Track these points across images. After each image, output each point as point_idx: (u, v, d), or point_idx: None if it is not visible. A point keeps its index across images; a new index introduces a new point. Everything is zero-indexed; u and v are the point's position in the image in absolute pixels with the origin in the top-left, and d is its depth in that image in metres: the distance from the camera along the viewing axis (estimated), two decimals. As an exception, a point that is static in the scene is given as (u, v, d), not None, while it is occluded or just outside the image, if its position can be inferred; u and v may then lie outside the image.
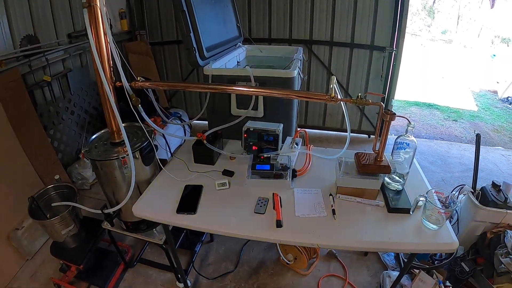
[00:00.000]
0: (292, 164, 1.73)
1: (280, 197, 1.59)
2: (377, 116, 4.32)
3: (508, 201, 2.37)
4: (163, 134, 3.53)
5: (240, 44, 3.13)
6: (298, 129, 1.95)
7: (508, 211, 2.33)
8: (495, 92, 7.27)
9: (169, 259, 2.10)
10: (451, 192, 1.49)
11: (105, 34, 1.47)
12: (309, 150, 1.96)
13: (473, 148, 4.45)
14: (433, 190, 1.48)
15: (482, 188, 2.55)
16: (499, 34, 12.04)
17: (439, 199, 1.47)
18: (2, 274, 2.31)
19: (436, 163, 4.10)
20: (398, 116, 1.48)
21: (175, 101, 4.84)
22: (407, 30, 3.82)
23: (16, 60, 2.70)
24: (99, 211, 1.87)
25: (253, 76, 2.17)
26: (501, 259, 2.12)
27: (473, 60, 10.76)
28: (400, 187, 1.65)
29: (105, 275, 2.27)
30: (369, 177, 1.58)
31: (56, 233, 2.02)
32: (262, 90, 1.74)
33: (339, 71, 4.19)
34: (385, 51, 3.87)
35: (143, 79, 1.61)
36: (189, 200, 1.60)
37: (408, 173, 1.63)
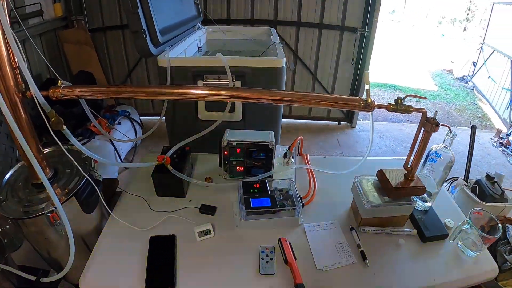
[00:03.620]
0: (295, 188, 1.25)
1: (289, 242, 1.11)
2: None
3: (504, 194, 2.27)
4: (110, 141, 2.92)
5: (200, 26, 2.52)
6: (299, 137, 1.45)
7: (506, 204, 2.22)
8: (450, 71, 7.36)
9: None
10: (493, 216, 1.19)
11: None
12: (308, 163, 1.50)
13: (442, 130, 4.42)
14: (473, 210, 1.20)
15: (478, 182, 2.40)
16: (444, 14, 12.37)
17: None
18: None
19: (411, 149, 3.87)
20: (441, 125, 1.08)
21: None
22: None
23: None
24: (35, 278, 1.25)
25: (229, 66, 1.59)
26: (505, 256, 1.96)
27: (423, 40, 10.95)
28: (427, 207, 1.30)
29: None
30: (401, 203, 1.18)
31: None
32: (259, 96, 1.02)
33: (306, 54, 3.76)
34: (357, 32, 3.51)
35: (67, 84, 1.01)
36: (160, 263, 1.05)
37: (438, 192, 1.29)
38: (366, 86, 1.06)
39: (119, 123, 3.10)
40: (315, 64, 3.81)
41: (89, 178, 1.13)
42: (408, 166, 1.18)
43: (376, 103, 1.05)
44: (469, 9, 12.07)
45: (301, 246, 1.14)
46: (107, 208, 1.18)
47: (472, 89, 6.39)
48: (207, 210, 1.24)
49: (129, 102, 3.78)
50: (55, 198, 0.97)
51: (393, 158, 1.72)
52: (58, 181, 1.20)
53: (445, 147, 1.23)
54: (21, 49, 0.87)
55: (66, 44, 3.35)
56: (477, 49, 6.52)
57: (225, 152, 1.32)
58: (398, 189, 1.15)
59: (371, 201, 1.17)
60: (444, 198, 1.41)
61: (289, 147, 1.44)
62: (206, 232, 1.13)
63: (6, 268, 1.26)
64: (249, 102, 1.00)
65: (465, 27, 11.92)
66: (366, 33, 3.49)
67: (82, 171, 1.09)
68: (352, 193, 1.28)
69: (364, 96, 1.06)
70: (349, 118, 4.14)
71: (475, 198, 2.26)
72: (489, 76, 5.63)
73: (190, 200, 1.32)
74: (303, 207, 1.21)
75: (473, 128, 2.41)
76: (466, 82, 6.56)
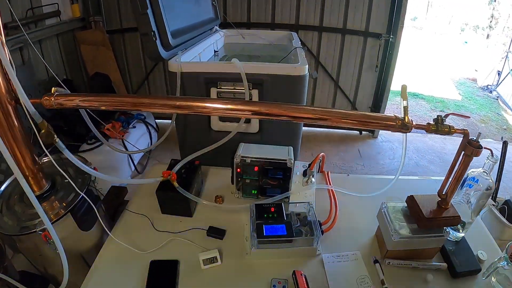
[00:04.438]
0: (314, 213, 1.09)
1: (305, 276, 0.95)
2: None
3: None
4: (124, 145, 2.82)
5: (217, 28, 2.39)
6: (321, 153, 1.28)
7: (540, 228, 2.00)
8: (474, 80, 7.00)
9: None
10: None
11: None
12: (329, 183, 1.34)
13: None
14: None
15: (507, 202, 2.21)
16: (467, 21, 11.91)
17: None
18: None
19: (435, 162, 3.67)
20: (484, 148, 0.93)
21: None
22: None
23: None
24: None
25: (245, 73, 1.45)
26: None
27: (446, 47, 10.55)
28: (459, 237, 1.13)
29: None
30: (432, 234, 1.01)
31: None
32: (286, 113, 0.86)
33: (328, 60, 3.57)
34: (381, 38, 3.30)
35: (61, 92, 0.88)
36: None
37: (472, 222, 1.12)
38: (404, 103, 0.90)
39: (134, 127, 3.01)
40: (337, 71, 3.63)
41: (85, 196, 1.00)
42: (443, 193, 1.01)
43: (414, 123, 0.88)
44: (492, 16, 11.57)
45: (317, 279, 1.00)
46: (106, 228, 1.06)
47: (497, 99, 6.02)
48: (216, 233, 1.10)
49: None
50: (44, 217, 0.86)
51: (423, 178, 1.53)
52: (56, 193, 1.10)
53: (485, 172, 1.06)
54: (8, 52, 0.75)
55: (83, 45, 3.29)
56: (502, 58, 6.15)
57: (238, 170, 1.17)
58: (431, 220, 0.98)
59: (399, 232, 1.01)
60: (478, 227, 1.23)
61: (309, 165, 1.29)
62: (212, 260, 0.99)
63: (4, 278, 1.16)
64: (274, 119, 0.84)
65: (488, 35, 11.44)
66: (390, 39, 3.29)
67: (77, 189, 0.96)
68: (378, 220, 1.13)
69: (400, 114, 0.90)
70: (371, 127, 3.92)
71: (504, 220, 2.06)
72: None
73: (197, 221, 1.18)
74: (322, 234, 1.05)
75: (505, 144, 2.20)
76: (491, 92, 6.19)
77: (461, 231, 1.12)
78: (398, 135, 4.36)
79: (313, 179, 1.27)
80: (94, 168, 1.07)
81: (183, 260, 1.03)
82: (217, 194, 1.26)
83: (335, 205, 1.24)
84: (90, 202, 1.02)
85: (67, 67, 3.19)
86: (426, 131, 0.91)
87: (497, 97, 6.04)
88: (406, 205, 1.08)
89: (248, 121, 1.55)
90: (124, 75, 3.73)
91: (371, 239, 1.16)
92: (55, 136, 0.84)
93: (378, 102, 3.66)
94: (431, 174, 3.36)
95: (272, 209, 1.06)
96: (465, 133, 0.89)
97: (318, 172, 1.43)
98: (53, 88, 0.86)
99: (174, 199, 1.13)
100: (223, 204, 1.23)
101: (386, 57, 3.42)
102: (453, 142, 4.09)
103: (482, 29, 11.86)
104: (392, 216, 1.06)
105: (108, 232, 1.07)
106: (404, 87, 0.91)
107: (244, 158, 1.15)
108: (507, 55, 5.92)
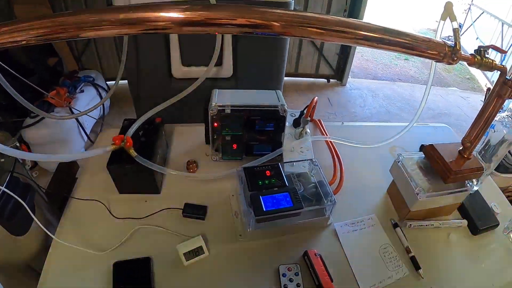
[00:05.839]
0: (321, 173, 0.82)
1: (320, 256, 0.70)
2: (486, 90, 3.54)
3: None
4: (71, 113, 2.33)
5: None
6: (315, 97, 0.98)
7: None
8: (435, 31, 6.95)
9: None
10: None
11: None
12: (325, 133, 1.06)
13: (434, 91, 4.04)
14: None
15: None
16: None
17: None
18: None
19: (406, 109, 3.59)
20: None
21: (86, 60, 3.35)
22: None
23: None
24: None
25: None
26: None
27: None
28: (474, 191, 0.94)
29: None
30: (458, 189, 0.83)
31: None
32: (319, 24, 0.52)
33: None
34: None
35: None
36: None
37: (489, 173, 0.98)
38: (454, 24, 0.64)
39: (82, 91, 2.51)
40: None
41: (5, 189, 0.64)
42: (469, 141, 0.79)
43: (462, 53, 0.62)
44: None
45: (334, 256, 0.77)
46: (44, 228, 0.71)
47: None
48: (194, 212, 0.81)
49: (94, 66, 3.13)
50: None
51: (434, 125, 1.32)
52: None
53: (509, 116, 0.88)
54: None
55: (17, 5, 2.62)
56: (465, 10, 6.09)
57: (215, 124, 0.85)
58: (457, 172, 0.78)
59: (423, 188, 0.79)
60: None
61: (301, 112, 0.99)
62: (197, 252, 0.70)
63: None
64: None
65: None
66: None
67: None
68: (392, 175, 0.91)
69: (449, 42, 0.64)
70: (339, 75, 3.67)
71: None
72: (478, 38, 5.28)
73: (168, 198, 0.87)
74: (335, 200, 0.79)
75: (488, 91, 2.06)
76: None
77: (476, 183, 0.93)
78: (366, 82, 4.25)
79: (307, 130, 0.99)
80: (22, 147, 0.70)
81: (157, 255, 0.75)
82: (188, 159, 0.95)
83: (339, 160, 0.98)
84: (14, 195, 0.67)
85: None
86: (469, 64, 0.68)
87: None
88: (422, 156, 0.87)
89: (219, 62, 1.20)
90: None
91: (383, 198, 0.95)
92: None
93: (346, 49, 3.39)
94: (403, 121, 3.26)
95: (268, 173, 0.77)
96: (503, 70, 0.69)
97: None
98: None
99: (133, 173, 0.81)
100: (198, 172, 0.92)
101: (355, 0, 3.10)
102: (420, 90, 4.03)
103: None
104: (414, 177, 0.83)
105: (48, 233, 0.72)
106: (449, 5, 0.65)
107: (223, 108, 0.83)
108: (469, 7, 5.85)
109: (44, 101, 2.19)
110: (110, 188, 0.86)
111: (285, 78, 3.57)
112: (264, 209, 0.69)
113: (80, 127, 2.35)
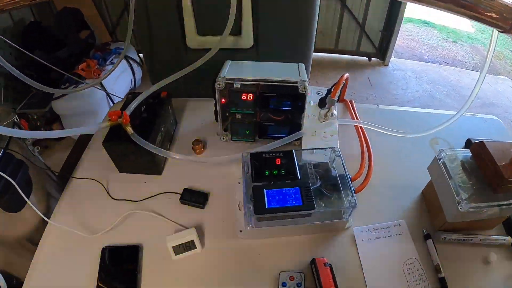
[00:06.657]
0: (343, 166, 0.67)
1: (330, 266, 0.57)
2: None
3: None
4: (101, 85, 2.32)
5: None
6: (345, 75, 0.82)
7: None
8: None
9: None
10: None
11: None
12: (356, 117, 0.90)
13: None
14: None
15: None
16: None
17: None
18: None
19: (451, 95, 3.23)
20: None
21: (120, 32, 3.37)
22: None
23: None
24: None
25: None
26: None
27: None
28: None
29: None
30: (509, 201, 0.63)
31: None
32: None
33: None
34: None
35: None
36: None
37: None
38: None
39: (112, 63, 2.49)
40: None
41: None
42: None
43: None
44: None
45: (347, 268, 0.64)
46: (37, 210, 0.64)
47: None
48: (193, 199, 0.70)
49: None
50: None
51: (483, 116, 1.07)
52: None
53: None
54: None
55: None
56: None
57: (223, 100, 0.73)
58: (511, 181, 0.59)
59: (467, 200, 0.61)
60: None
61: (328, 90, 0.83)
62: (188, 246, 0.60)
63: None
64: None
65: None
66: None
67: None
68: (430, 174, 0.73)
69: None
70: (382, 54, 3.37)
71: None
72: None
73: (168, 181, 0.78)
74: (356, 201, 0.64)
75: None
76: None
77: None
78: (410, 63, 3.90)
79: (334, 111, 0.83)
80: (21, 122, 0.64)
81: (147, 243, 0.67)
82: (196, 137, 0.83)
83: (369, 152, 0.82)
84: (3, 174, 0.60)
85: (34, 8, 2.58)
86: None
87: (512, 33, 5.37)
88: (468, 154, 0.69)
89: (238, 31, 1.05)
90: (101, 8, 3.07)
91: (416, 201, 0.78)
92: None
93: (390, 25, 3.08)
94: (448, 108, 2.95)
95: (278, 161, 0.64)
96: None
97: (338, 101, 0.99)
98: None
99: (131, 152, 0.72)
100: (204, 154, 0.81)
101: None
102: (469, 76, 3.62)
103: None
104: (452, 171, 0.65)
105: (40, 214, 0.66)
106: None
107: (232, 82, 0.70)
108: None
109: (75, 73, 2.19)
110: (111, 167, 0.79)
111: (323, 55, 3.39)
112: (267, 206, 0.56)
113: (109, 100, 2.34)
